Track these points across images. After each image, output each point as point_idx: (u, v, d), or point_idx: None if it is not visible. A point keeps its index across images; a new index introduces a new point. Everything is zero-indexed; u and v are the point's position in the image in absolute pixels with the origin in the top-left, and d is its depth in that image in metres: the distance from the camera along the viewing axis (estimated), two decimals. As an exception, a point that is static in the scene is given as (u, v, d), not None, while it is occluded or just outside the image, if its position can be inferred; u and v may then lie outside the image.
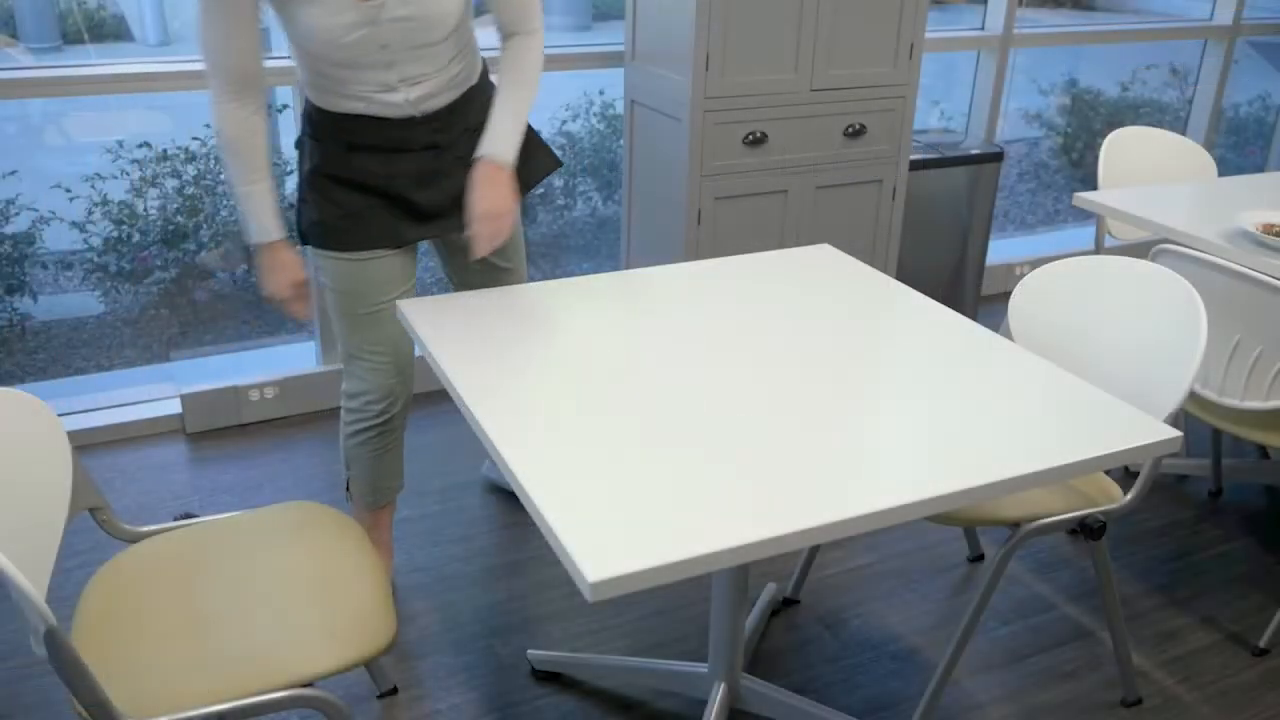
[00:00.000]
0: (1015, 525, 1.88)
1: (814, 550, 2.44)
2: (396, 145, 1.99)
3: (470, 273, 2.28)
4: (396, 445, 2.22)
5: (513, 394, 1.58)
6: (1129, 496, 1.93)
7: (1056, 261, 2.12)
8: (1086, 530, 1.92)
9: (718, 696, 1.95)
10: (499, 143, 1.96)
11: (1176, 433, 1.55)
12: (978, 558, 2.58)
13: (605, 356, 1.71)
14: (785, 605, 2.39)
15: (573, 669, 2.17)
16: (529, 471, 1.39)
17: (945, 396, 1.62)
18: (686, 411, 1.55)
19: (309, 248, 2.06)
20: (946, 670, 1.97)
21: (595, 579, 1.19)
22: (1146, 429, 1.55)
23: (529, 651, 2.18)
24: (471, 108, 2.08)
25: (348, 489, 2.27)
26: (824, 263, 2.17)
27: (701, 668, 2.05)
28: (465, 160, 2.05)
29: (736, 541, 1.27)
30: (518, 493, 1.37)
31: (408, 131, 1.99)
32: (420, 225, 2.07)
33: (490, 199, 1.93)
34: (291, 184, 3.31)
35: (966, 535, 2.60)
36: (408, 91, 1.95)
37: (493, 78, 2.16)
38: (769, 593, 2.34)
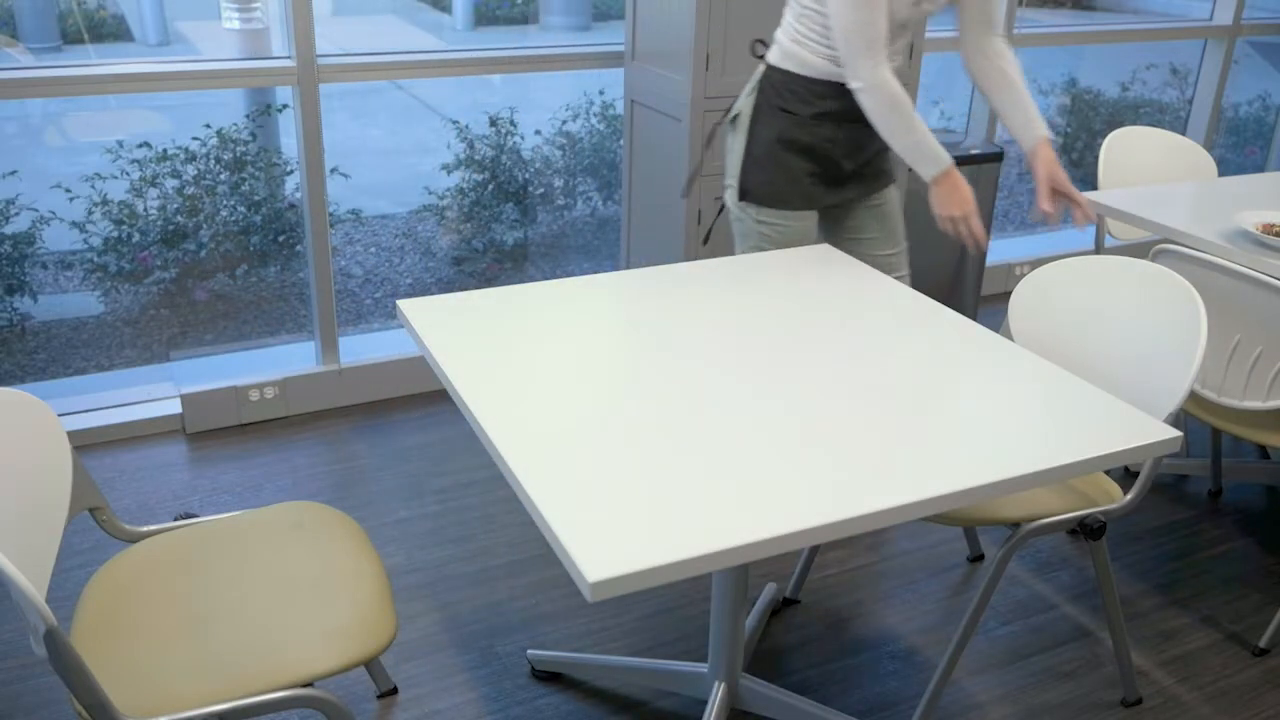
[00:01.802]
0: (1015, 525, 1.88)
1: (814, 550, 2.44)
2: (851, 113, 2.21)
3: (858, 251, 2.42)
4: None
5: (513, 394, 1.58)
6: (1129, 496, 1.93)
7: (1056, 261, 2.12)
8: (1086, 530, 1.92)
9: (718, 696, 1.95)
10: (1043, 124, 2.24)
11: (1176, 433, 1.55)
12: (978, 558, 2.58)
13: (605, 356, 1.71)
14: (785, 605, 2.39)
15: (573, 669, 2.17)
16: (529, 471, 1.39)
17: (945, 396, 1.62)
18: (686, 411, 1.55)
19: (748, 204, 2.29)
20: (946, 670, 1.97)
21: (595, 579, 1.19)
22: (1146, 429, 1.55)
23: (529, 651, 2.18)
24: None
25: None
26: (824, 263, 2.17)
27: (701, 668, 2.05)
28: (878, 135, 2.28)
29: (736, 541, 1.27)
30: (518, 492, 1.37)
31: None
32: (830, 191, 2.31)
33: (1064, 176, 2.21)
34: (292, 183, 3.31)
35: (966, 535, 2.61)
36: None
37: None
38: (769, 593, 2.34)
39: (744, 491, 1.36)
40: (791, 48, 2.19)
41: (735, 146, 2.31)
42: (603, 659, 2.14)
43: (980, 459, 1.45)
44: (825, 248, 2.25)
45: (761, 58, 2.30)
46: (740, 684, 2.00)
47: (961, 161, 3.46)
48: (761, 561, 2.54)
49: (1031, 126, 2.21)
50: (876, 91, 2.07)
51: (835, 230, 2.41)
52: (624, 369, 1.67)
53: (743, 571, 1.87)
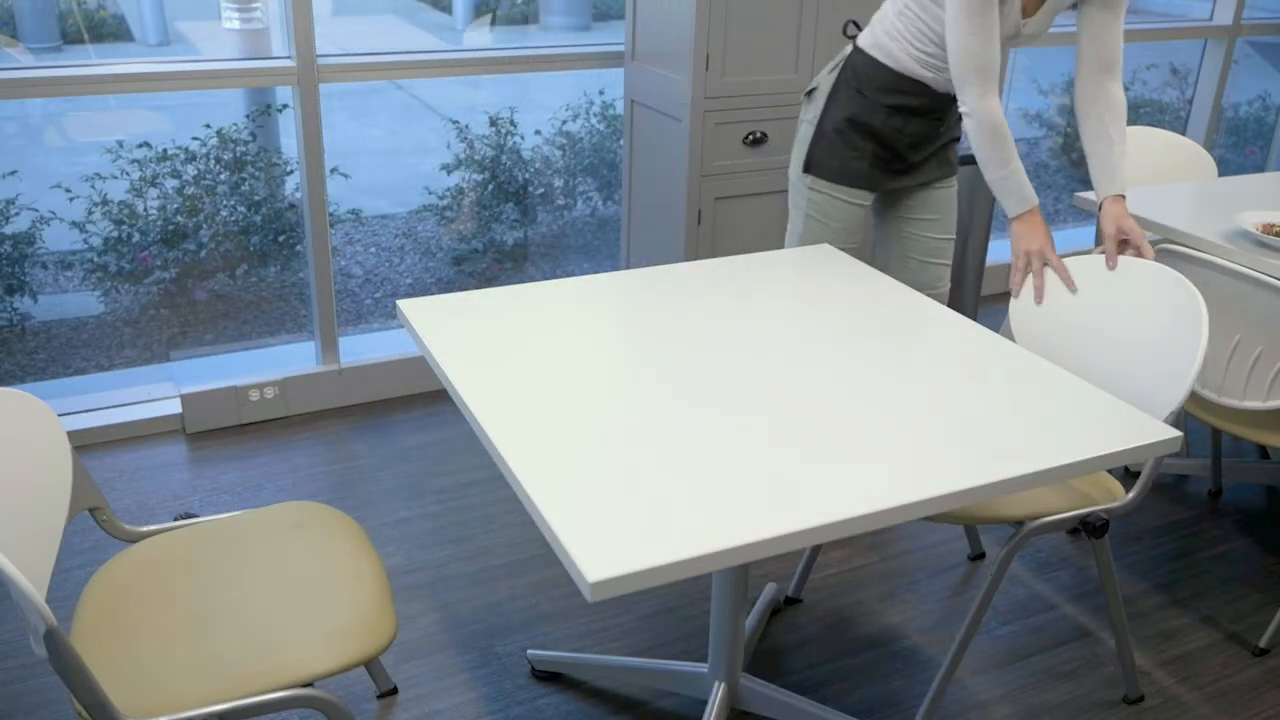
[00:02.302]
0: (1018, 524, 1.88)
1: (814, 550, 2.44)
2: (925, 109, 2.27)
3: (905, 247, 2.45)
4: None
5: (513, 394, 1.58)
6: (1130, 495, 1.93)
7: (1057, 261, 2.12)
8: (1088, 529, 1.92)
9: (718, 696, 1.95)
10: (1123, 183, 2.20)
11: (1177, 433, 1.55)
12: (978, 556, 2.58)
13: (605, 356, 1.71)
14: (785, 605, 2.39)
15: (573, 669, 2.17)
16: (529, 471, 1.39)
17: (946, 396, 1.62)
18: (686, 411, 1.55)
19: (808, 175, 2.35)
20: (950, 669, 1.97)
21: (595, 579, 1.19)
22: (1147, 429, 1.55)
23: (529, 651, 2.18)
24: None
25: None
26: (824, 263, 2.17)
27: (701, 668, 2.05)
28: (947, 132, 2.37)
29: (736, 541, 1.26)
30: (518, 492, 1.37)
31: (940, 102, 2.27)
32: (891, 177, 2.36)
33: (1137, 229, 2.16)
34: (292, 183, 3.31)
35: (967, 534, 2.60)
36: None
37: None
38: (769, 593, 2.33)
39: (744, 491, 1.36)
40: (884, 40, 2.23)
41: (807, 118, 2.36)
42: (603, 659, 2.14)
43: (981, 459, 1.45)
44: (825, 248, 2.25)
45: (852, 38, 2.29)
46: (740, 684, 2.00)
47: (962, 161, 3.46)
48: (761, 561, 2.54)
49: (1110, 182, 2.19)
50: (980, 119, 2.09)
51: (888, 211, 2.45)
52: (624, 369, 1.67)
53: (743, 571, 1.87)
